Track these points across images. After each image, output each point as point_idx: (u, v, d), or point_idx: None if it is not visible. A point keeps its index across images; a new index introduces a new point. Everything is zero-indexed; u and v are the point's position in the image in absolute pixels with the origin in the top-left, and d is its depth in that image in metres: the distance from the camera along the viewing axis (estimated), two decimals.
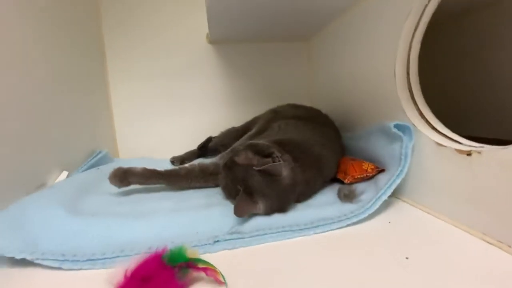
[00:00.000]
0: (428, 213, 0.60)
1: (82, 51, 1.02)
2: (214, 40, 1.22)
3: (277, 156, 0.59)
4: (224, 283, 0.38)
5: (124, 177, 0.68)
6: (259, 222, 0.56)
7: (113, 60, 1.19)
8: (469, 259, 0.44)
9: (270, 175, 0.57)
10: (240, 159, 0.60)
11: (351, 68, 0.94)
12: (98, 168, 0.89)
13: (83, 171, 0.88)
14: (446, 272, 0.41)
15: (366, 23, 0.83)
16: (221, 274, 0.38)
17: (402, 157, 0.62)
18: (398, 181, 0.60)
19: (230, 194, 0.62)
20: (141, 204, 0.64)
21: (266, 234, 0.53)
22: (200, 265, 0.39)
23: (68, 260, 0.48)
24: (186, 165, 0.77)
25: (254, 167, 0.57)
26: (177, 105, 1.25)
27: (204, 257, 0.47)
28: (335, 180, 0.76)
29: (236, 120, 1.17)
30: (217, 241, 0.51)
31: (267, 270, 0.44)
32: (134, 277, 0.34)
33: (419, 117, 0.66)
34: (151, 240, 0.52)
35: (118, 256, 0.49)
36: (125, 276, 0.35)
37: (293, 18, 1.02)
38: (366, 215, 0.57)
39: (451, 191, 0.54)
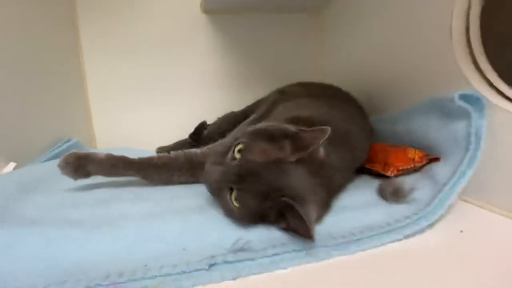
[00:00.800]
0: (508, 216, 0.43)
1: (48, 18, 0.82)
2: (209, 9, 1.02)
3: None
4: None
5: (79, 165, 0.49)
6: (274, 234, 0.38)
7: (87, 31, 0.98)
8: None
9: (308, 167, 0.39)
10: (257, 156, 0.39)
11: (379, 38, 0.76)
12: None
13: (40, 163, 0.68)
14: None
15: None
16: None
17: (472, 139, 0.44)
18: (469, 173, 0.43)
19: (254, 216, 0.39)
20: (105, 207, 0.45)
21: (287, 252, 0.36)
22: None
23: None
24: (169, 153, 0.57)
25: (285, 161, 0.39)
26: (165, 86, 1.05)
27: None
28: (368, 173, 0.58)
29: (235, 104, 0.98)
30: (214, 264, 0.33)
31: None
32: None
33: (488, 86, 0.49)
34: (111, 263, 0.34)
35: None
36: None
37: None
38: (431, 221, 0.39)
39: None
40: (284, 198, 0.36)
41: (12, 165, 0.61)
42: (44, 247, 0.36)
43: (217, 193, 0.41)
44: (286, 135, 0.41)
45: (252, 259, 0.34)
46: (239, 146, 0.41)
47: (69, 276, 0.32)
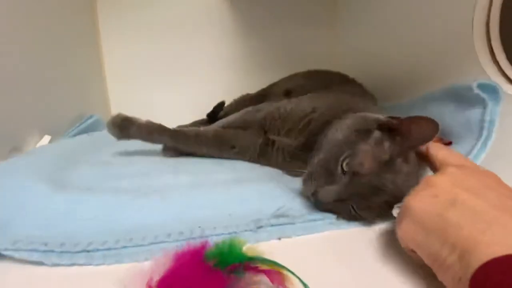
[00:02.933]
0: None
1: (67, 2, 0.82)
2: None
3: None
4: None
5: (123, 126, 0.56)
6: (310, 205, 0.43)
7: (105, 11, 0.98)
8: None
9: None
10: (366, 166, 0.37)
11: (398, 24, 0.79)
12: (88, 134, 0.73)
13: (70, 137, 0.71)
14: None
15: None
16: (299, 279, 0.24)
17: (486, 124, 0.48)
18: (481, 156, 0.48)
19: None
20: (149, 179, 0.49)
21: (321, 220, 0.40)
22: (264, 267, 0.25)
23: (53, 251, 0.33)
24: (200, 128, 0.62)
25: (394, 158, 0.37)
26: (182, 67, 1.07)
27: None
28: None
29: (251, 87, 1.00)
30: (261, 226, 0.38)
31: (334, 266, 0.32)
32: None
33: (504, 78, 0.53)
34: (169, 225, 0.38)
35: (125, 247, 0.35)
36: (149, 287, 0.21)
37: None
38: None
39: None
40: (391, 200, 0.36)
41: (47, 138, 0.64)
42: (105, 211, 0.40)
43: (335, 209, 0.40)
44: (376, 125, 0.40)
45: (293, 223, 0.39)
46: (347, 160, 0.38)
47: (134, 234, 0.36)
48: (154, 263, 0.22)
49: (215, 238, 0.36)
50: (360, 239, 0.37)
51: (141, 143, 0.70)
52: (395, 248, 0.35)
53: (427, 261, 0.26)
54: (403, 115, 0.71)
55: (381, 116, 0.41)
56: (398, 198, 0.35)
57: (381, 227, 0.39)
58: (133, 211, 0.40)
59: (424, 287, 0.28)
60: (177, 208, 0.41)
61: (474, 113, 0.51)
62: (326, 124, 0.49)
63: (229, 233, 0.37)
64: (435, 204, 0.26)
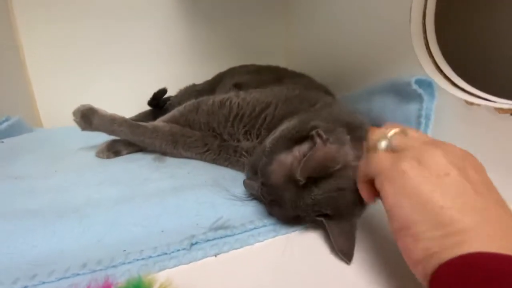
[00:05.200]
0: None
1: None
2: None
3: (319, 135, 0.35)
4: None
5: (87, 116, 0.57)
6: (249, 210, 0.40)
7: None
8: None
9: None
10: (272, 177, 0.36)
11: (344, 18, 0.78)
12: (2, 141, 0.62)
13: None
14: None
15: None
16: None
17: (422, 120, 0.50)
18: None
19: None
20: (67, 194, 0.42)
21: (264, 226, 0.38)
22: None
23: None
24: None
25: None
26: (120, 58, 0.95)
27: (178, 270, 0.31)
28: None
29: (197, 77, 0.94)
30: (196, 243, 0.34)
31: (275, 280, 0.30)
32: None
33: (438, 72, 0.55)
34: (86, 251, 0.33)
35: (26, 287, 0.29)
36: None
37: None
38: None
39: (487, 159, 0.45)
40: (321, 219, 0.35)
41: None
42: (3, 241, 0.33)
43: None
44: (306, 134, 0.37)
45: (232, 235, 0.36)
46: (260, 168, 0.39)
47: (39, 269, 0.30)
48: None
49: (141, 263, 0.32)
50: (299, 244, 0.36)
51: (76, 147, 0.64)
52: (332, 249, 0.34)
53: (397, 223, 0.25)
54: (351, 106, 0.72)
55: (321, 124, 0.38)
56: (303, 214, 0.35)
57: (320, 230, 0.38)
58: (41, 238, 0.34)
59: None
60: (98, 229, 0.36)
61: (412, 108, 0.53)
62: (283, 119, 0.47)
63: (158, 255, 0.33)
64: (428, 178, 0.24)
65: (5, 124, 0.69)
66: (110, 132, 0.58)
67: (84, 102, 0.96)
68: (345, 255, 0.32)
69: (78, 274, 0.30)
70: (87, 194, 0.43)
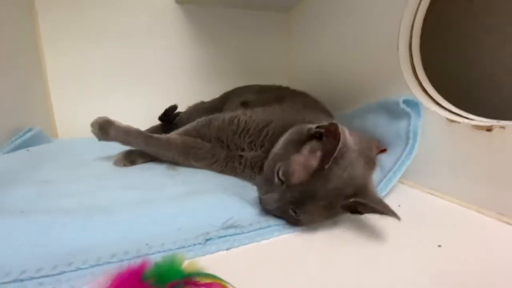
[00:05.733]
0: (435, 195, 0.56)
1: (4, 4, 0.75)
2: None
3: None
4: None
5: (104, 127, 0.60)
6: (257, 212, 0.45)
7: (46, 17, 0.91)
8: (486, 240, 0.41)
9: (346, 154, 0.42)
10: (298, 176, 0.41)
11: (341, 42, 0.86)
12: (28, 150, 0.67)
13: (4, 153, 0.65)
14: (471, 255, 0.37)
15: None
16: None
17: (411, 135, 0.56)
18: (408, 162, 0.55)
19: (322, 220, 0.44)
20: (94, 196, 0.47)
21: (269, 226, 0.43)
22: (204, 281, 0.26)
23: None
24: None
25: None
26: (132, 75, 1.03)
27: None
28: None
29: (205, 95, 1.01)
30: (210, 239, 0.39)
31: (280, 272, 0.34)
32: None
33: (423, 93, 0.61)
34: (114, 244, 0.37)
35: (63, 272, 0.33)
36: None
37: None
38: None
39: (465, 170, 0.51)
40: (352, 200, 0.40)
41: None
42: (40, 234, 0.37)
43: (280, 213, 0.44)
44: (309, 135, 0.44)
45: (242, 233, 0.41)
46: (281, 171, 0.42)
47: (74, 258, 0.35)
48: (92, 286, 0.22)
49: (162, 254, 0.36)
50: (301, 243, 0.40)
51: (93, 156, 0.68)
52: (336, 248, 0.39)
53: None
54: (346, 124, 0.78)
55: (313, 126, 0.44)
56: (333, 200, 0.40)
57: (322, 229, 0.43)
58: (74, 232, 0.38)
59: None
60: (123, 226, 0.41)
61: (402, 125, 0.59)
62: (282, 132, 0.53)
63: (177, 248, 0.37)
64: None
65: (29, 134, 0.74)
66: (125, 143, 0.62)
67: (98, 113, 1.03)
68: (391, 214, 0.39)
69: (108, 263, 0.34)
70: (111, 197, 0.47)
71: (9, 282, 0.31)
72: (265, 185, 0.44)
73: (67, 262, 0.34)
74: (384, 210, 0.39)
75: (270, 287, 0.32)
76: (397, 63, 0.64)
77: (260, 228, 0.42)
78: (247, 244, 0.39)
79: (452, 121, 0.53)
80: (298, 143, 0.44)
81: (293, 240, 0.41)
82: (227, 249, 0.38)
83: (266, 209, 0.44)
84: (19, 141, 0.71)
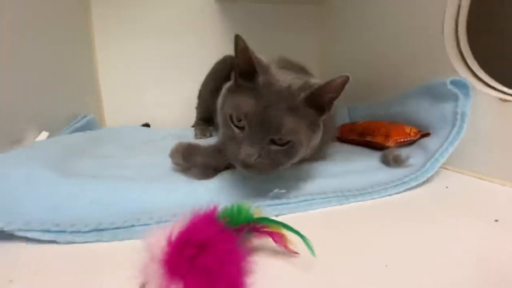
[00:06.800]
0: (485, 179, 0.54)
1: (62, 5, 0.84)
2: None
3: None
4: (297, 253, 0.29)
5: (188, 154, 0.49)
6: (303, 186, 0.47)
7: (99, 13, 1.00)
8: None
9: None
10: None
11: (379, 30, 0.85)
12: (86, 132, 0.74)
13: (67, 134, 0.72)
14: None
15: None
16: (306, 240, 0.27)
17: (458, 116, 0.54)
18: (455, 143, 0.53)
19: None
20: (151, 169, 0.51)
21: (315, 199, 0.44)
22: (268, 228, 0.28)
23: (65, 231, 0.35)
24: None
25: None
26: (174, 69, 1.09)
27: None
28: (367, 146, 0.68)
29: None
30: (259, 206, 0.41)
31: (325, 238, 0.35)
32: (185, 244, 0.23)
33: (472, 76, 0.59)
34: (174, 207, 0.40)
35: (133, 226, 0.37)
36: (171, 244, 0.23)
37: None
38: (425, 178, 0.49)
39: None
40: (304, 93, 0.40)
41: (45, 134, 0.64)
42: (110, 195, 0.42)
43: (266, 162, 0.41)
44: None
45: (287, 203, 0.42)
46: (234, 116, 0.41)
47: (140, 215, 0.38)
48: (173, 222, 0.25)
49: None
50: (350, 214, 0.41)
51: (141, 140, 0.74)
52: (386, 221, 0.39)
53: None
54: (383, 112, 0.77)
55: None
56: (290, 102, 0.39)
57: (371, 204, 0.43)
58: (138, 195, 0.42)
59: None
60: (181, 194, 0.44)
61: (448, 107, 0.57)
62: None
63: None
64: None
65: (84, 120, 0.82)
66: (214, 164, 0.50)
67: (143, 105, 1.10)
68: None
69: (171, 221, 0.38)
70: (165, 170, 0.51)
71: (89, 231, 0.36)
72: (231, 145, 0.41)
73: (135, 218, 0.38)
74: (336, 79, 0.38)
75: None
76: (442, 47, 0.62)
77: (305, 200, 0.43)
78: (294, 212, 0.41)
79: (506, 100, 0.51)
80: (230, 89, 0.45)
81: (336, 211, 0.42)
82: (276, 215, 0.40)
83: (250, 168, 0.40)
84: (77, 125, 0.79)
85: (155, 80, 1.09)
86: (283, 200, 0.43)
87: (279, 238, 0.28)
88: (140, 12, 1.04)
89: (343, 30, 1.07)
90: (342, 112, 0.96)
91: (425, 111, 0.63)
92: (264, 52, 1.27)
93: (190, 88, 1.11)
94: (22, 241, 0.34)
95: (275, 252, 0.30)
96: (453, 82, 0.56)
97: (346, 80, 0.39)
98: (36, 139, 0.62)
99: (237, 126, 0.41)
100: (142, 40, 1.06)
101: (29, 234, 0.34)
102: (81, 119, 0.83)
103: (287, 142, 0.40)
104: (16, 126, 0.58)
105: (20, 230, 0.34)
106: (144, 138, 0.80)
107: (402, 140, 0.61)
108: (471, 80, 0.58)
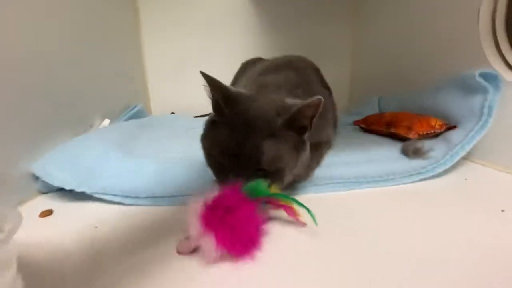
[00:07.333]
0: (508, 172, 0.54)
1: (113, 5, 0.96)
2: None
3: None
4: (305, 223, 0.35)
5: None
6: (325, 172, 0.52)
7: (146, 11, 1.13)
8: None
9: None
10: None
11: (412, 20, 0.84)
12: (139, 120, 0.87)
13: (124, 121, 0.86)
14: None
15: None
16: (311, 213, 0.34)
17: (485, 110, 0.54)
18: (478, 137, 0.54)
19: None
20: (193, 154, 0.61)
21: (334, 184, 0.49)
22: (281, 202, 0.35)
23: (128, 197, 0.46)
24: None
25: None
26: (212, 59, 1.18)
27: None
28: (392, 137, 0.70)
29: None
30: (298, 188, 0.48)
31: (331, 217, 0.40)
32: (216, 206, 0.31)
33: (505, 66, 0.58)
34: (209, 182, 0.49)
35: (178, 196, 0.46)
36: (207, 206, 0.31)
37: None
38: (441, 169, 0.51)
39: None
40: (282, 118, 0.38)
41: (107, 121, 0.78)
42: (159, 173, 0.52)
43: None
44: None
45: (316, 185, 0.49)
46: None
47: (183, 187, 0.48)
48: (207, 192, 0.33)
49: None
50: (365, 199, 0.46)
51: (183, 127, 0.84)
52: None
53: None
54: (413, 103, 0.77)
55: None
56: (267, 127, 0.38)
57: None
58: (182, 174, 0.52)
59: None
60: None
61: (476, 99, 0.57)
62: None
63: None
64: None
65: (136, 109, 0.96)
66: None
67: (183, 96, 1.22)
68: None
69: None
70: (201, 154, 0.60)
71: (144, 197, 0.46)
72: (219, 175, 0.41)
73: (179, 190, 0.47)
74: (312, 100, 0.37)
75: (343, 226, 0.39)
76: (477, 37, 0.60)
77: (327, 183, 0.49)
78: (317, 192, 0.48)
79: None
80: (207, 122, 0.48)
81: (354, 194, 0.47)
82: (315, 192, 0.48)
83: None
84: (130, 113, 0.92)
85: (196, 73, 1.19)
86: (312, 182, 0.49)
87: (290, 211, 0.35)
88: (181, 11, 1.14)
89: (375, 21, 1.05)
90: (372, 103, 0.97)
91: (454, 103, 0.63)
92: (295, 43, 1.32)
93: (228, 82, 1.21)
94: (95, 201, 0.46)
95: (286, 222, 0.37)
96: (482, 75, 0.56)
97: (319, 102, 0.38)
98: (101, 125, 0.76)
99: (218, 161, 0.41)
100: (183, 37, 1.17)
101: (105, 197, 0.46)
102: (133, 108, 0.96)
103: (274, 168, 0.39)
104: (90, 114, 0.73)
105: (97, 193, 0.46)
106: (185, 126, 0.91)
107: (425, 132, 0.62)
108: (505, 72, 0.57)
